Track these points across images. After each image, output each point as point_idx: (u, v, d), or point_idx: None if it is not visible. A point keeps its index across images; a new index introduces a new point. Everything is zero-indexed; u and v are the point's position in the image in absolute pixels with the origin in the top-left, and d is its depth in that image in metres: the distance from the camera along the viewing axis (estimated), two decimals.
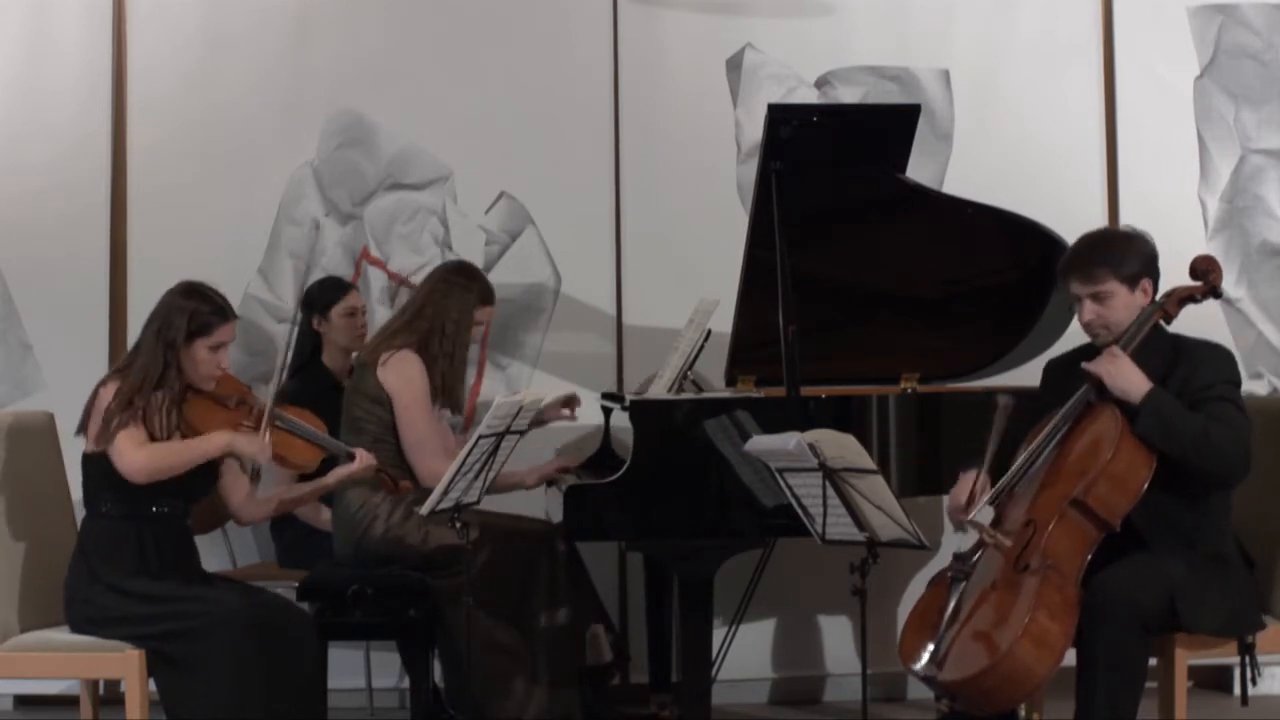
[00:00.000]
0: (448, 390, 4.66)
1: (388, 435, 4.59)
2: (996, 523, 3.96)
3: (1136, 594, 3.78)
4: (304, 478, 4.56)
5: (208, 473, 4.26)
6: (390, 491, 4.43)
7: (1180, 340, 3.99)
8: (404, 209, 5.54)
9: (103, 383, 4.17)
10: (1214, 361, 3.94)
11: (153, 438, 4.11)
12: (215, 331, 4.18)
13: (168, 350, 4.15)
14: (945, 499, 5.17)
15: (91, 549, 4.14)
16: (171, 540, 4.20)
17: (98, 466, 4.14)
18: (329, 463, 4.39)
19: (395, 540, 4.54)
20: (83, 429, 4.18)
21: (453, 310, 4.67)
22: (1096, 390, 3.90)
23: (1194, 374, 3.89)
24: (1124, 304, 3.93)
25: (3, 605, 4.21)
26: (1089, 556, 3.83)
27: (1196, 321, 4.18)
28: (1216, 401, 3.85)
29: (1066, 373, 4.10)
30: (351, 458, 4.32)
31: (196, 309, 4.18)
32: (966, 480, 4.05)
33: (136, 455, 4.05)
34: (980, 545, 3.94)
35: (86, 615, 4.13)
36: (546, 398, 4.60)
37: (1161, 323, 3.97)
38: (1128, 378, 3.84)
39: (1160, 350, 3.91)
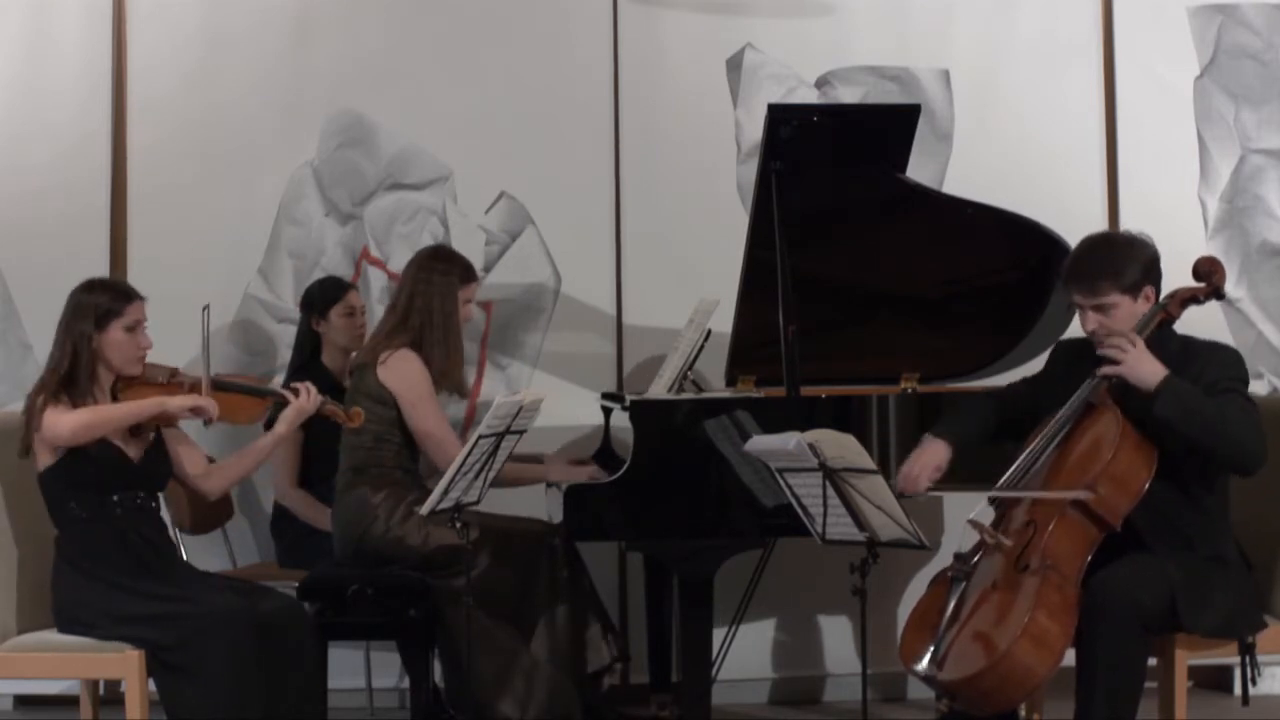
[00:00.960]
0: (448, 375, 4.66)
1: (391, 433, 4.59)
2: (997, 522, 3.96)
3: (1137, 594, 3.78)
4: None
5: (158, 455, 4.26)
6: (343, 421, 4.40)
7: (1189, 341, 3.99)
8: (404, 209, 5.54)
9: (33, 395, 4.14)
10: (1223, 360, 3.95)
11: None
12: (125, 311, 4.17)
13: (78, 342, 4.13)
14: (946, 498, 5.22)
15: (77, 554, 4.12)
16: (148, 534, 4.19)
17: (55, 480, 4.13)
18: (275, 412, 4.38)
19: (395, 540, 4.54)
20: (27, 450, 4.15)
21: (436, 297, 4.66)
22: (1110, 378, 3.88)
23: (1203, 373, 3.89)
24: (1127, 313, 3.93)
25: (1, 606, 4.21)
26: (1089, 557, 3.83)
27: (1196, 321, 4.18)
28: (1225, 394, 3.86)
29: (1074, 360, 4.09)
30: (295, 394, 4.30)
31: (98, 301, 4.18)
32: (931, 454, 4.09)
33: (64, 418, 4.05)
34: (980, 545, 3.94)
35: (83, 619, 4.10)
36: (548, 402, 4.56)
37: (1166, 324, 3.97)
38: (1143, 365, 3.83)
39: (1167, 351, 3.90)
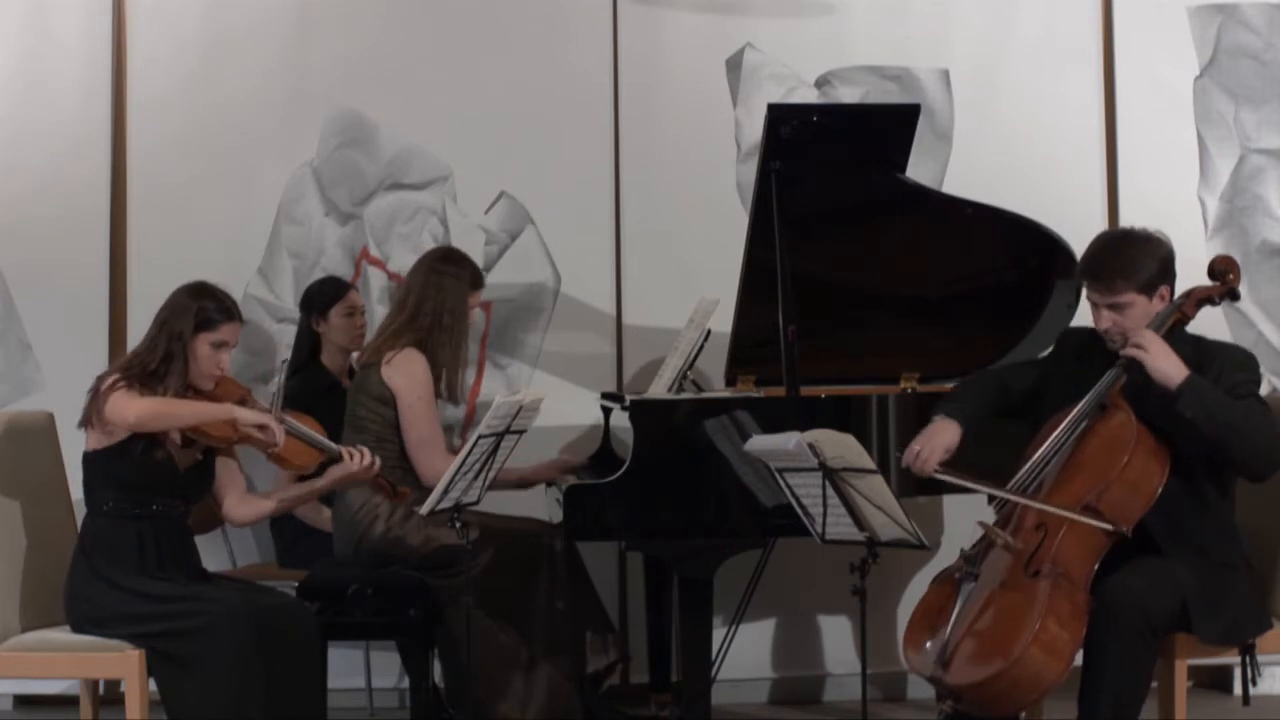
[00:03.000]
0: (448, 381, 4.65)
1: (391, 434, 4.58)
2: (1006, 522, 3.94)
3: (1148, 601, 3.76)
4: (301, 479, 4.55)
5: (204, 472, 4.26)
6: (389, 498, 4.42)
7: (1201, 342, 3.97)
8: (404, 209, 5.54)
9: (106, 375, 4.15)
10: (1238, 362, 3.93)
11: None
12: (220, 328, 4.19)
13: (172, 342, 4.15)
14: (946, 499, 5.22)
15: (92, 547, 4.14)
16: (171, 540, 4.20)
17: (98, 465, 4.14)
18: (325, 465, 4.38)
19: (395, 540, 4.54)
20: (85, 423, 4.16)
21: (447, 300, 4.65)
22: (1126, 371, 3.87)
23: (1221, 375, 3.87)
24: (1142, 312, 3.91)
25: (3, 605, 4.21)
26: (1098, 562, 3.81)
27: (1196, 321, 4.16)
28: (1243, 399, 3.84)
29: (1083, 350, 4.07)
30: (353, 457, 4.30)
31: (203, 305, 4.20)
32: (943, 434, 4.04)
33: (134, 402, 4.04)
34: (987, 544, 3.92)
35: (87, 614, 4.13)
36: (548, 402, 4.56)
37: (1180, 325, 3.95)
38: (1169, 360, 3.81)
39: (1180, 352, 3.86)
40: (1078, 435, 3.91)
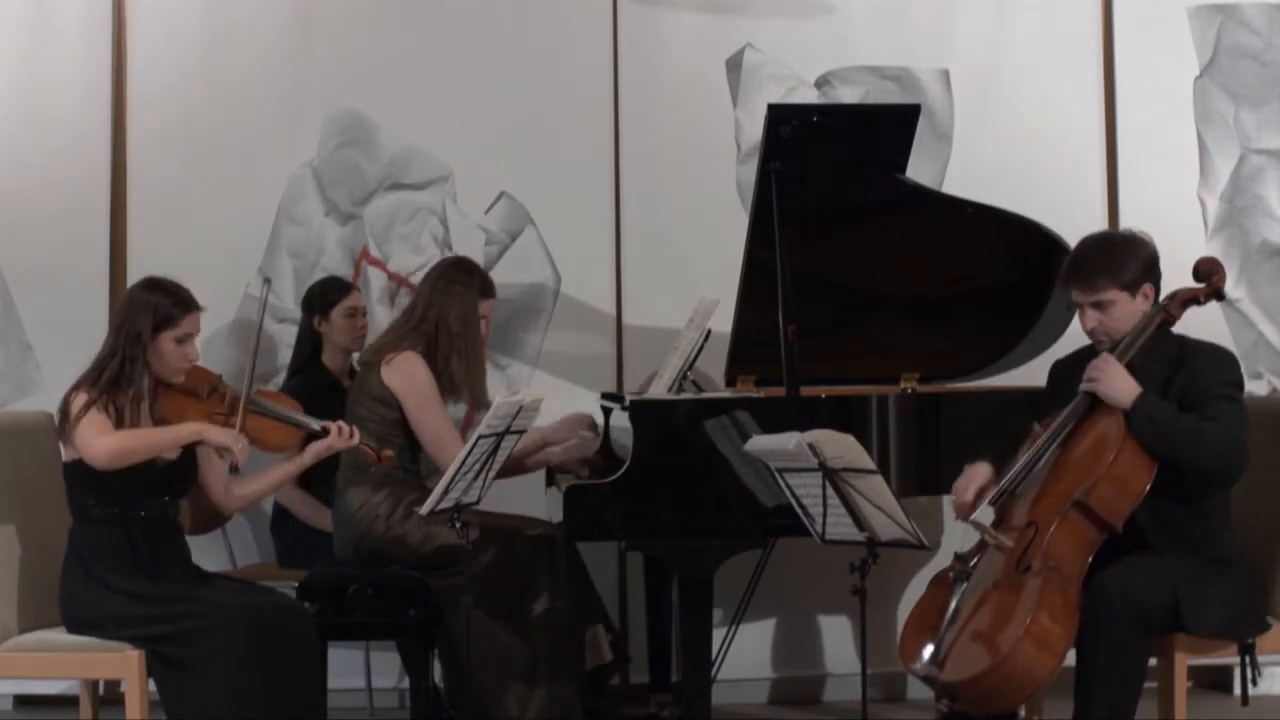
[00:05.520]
0: (470, 386, 4.66)
1: (393, 434, 4.58)
2: (998, 523, 3.96)
3: (1140, 595, 3.78)
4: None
5: (187, 468, 4.25)
6: (374, 463, 4.39)
7: (1186, 342, 3.99)
8: (404, 209, 5.54)
9: (73, 389, 4.13)
10: (1217, 363, 3.95)
11: None
12: (180, 323, 4.16)
13: (131, 345, 4.12)
14: (946, 499, 5.21)
15: (86, 552, 4.12)
16: (162, 538, 4.19)
17: (79, 473, 4.13)
18: (308, 444, 4.37)
19: (395, 540, 4.54)
20: (61, 437, 4.15)
21: (454, 308, 4.67)
22: (1090, 397, 3.91)
23: (1196, 376, 3.89)
24: (1126, 311, 3.93)
25: (3, 605, 4.21)
26: (1090, 558, 3.83)
27: (1197, 322, 4.18)
28: (1216, 401, 3.86)
29: (1071, 373, 4.10)
30: (326, 433, 4.28)
31: (158, 303, 4.16)
32: (976, 473, 4.06)
33: (100, 441, 4.02)
34: (981, 545, 3.94)
35: (83, 618, 4.11)
36: (548, 402, 4.55)
37: (1166, 325, 3.97)
38: (1116, 384, 3.85)
39: (1165, 353, 3.92)
40: (1067, 434, 3.93)
